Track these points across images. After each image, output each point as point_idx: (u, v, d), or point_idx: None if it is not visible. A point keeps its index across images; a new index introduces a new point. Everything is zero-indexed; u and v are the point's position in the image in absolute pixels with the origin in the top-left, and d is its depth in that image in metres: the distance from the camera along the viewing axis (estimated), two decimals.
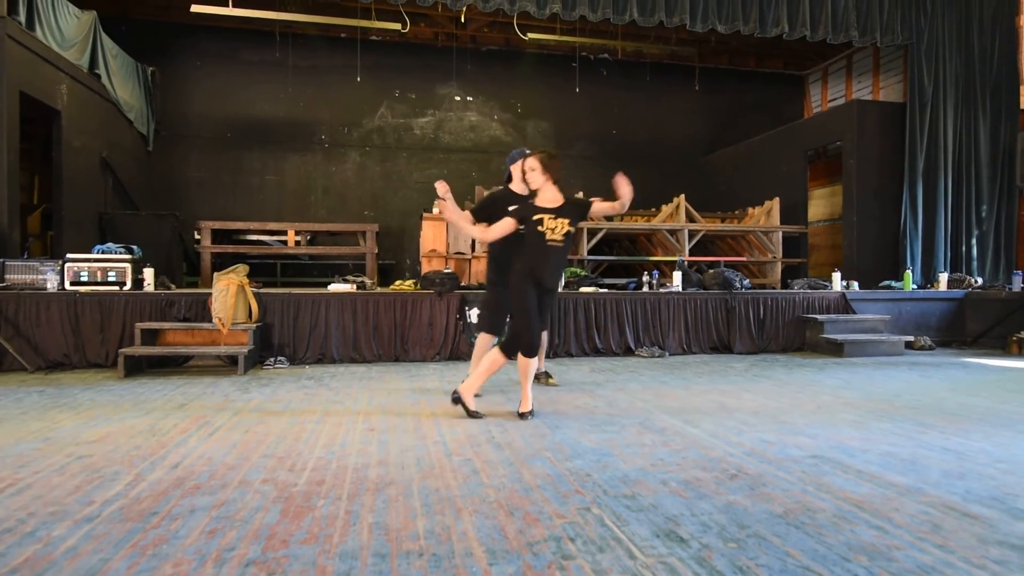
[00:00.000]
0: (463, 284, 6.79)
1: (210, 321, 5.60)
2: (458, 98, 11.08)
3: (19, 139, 6.22)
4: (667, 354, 6.56)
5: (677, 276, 7.01)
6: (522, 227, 3.74)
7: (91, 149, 7.53)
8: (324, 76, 10.48)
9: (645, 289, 6.94)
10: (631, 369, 5.70)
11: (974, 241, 8.50)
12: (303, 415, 3.82)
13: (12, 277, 5.62)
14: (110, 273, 5.78)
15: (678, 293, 6.84)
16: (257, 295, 5.83)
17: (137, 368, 5.40)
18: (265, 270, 9.22)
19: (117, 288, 5.75)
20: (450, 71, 10.81)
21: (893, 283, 7.97)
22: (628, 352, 6.59)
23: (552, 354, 6.41)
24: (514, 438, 3.30)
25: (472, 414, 3.76)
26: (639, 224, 9.08)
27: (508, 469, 2.78)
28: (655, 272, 7.29)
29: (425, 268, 7.02)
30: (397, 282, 6.97)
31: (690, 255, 8.48)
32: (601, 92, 11.42)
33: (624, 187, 3.60)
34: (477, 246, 7.25)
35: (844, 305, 7.23)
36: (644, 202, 10.72)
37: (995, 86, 8.41)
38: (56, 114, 6.79)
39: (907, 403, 4.23)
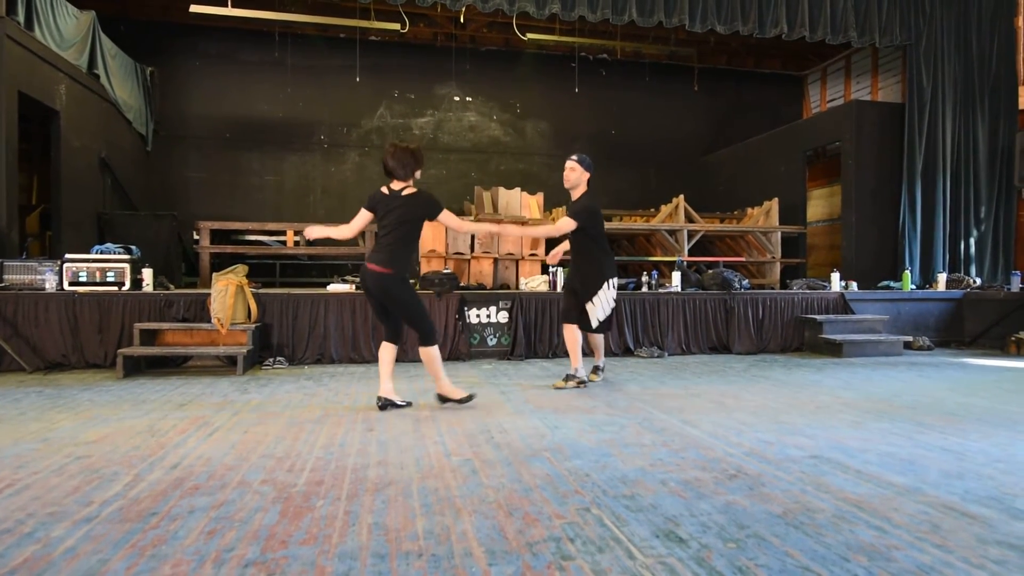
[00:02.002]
0: (462, 284, 6.79)
1: (209, 321, 5.60)
2: (457, 98, 11.08)
3: (18, 139, 6.21)
4: (666, 354, 6.57)
5: (676, 276, 7.01)
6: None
7: (90, 149, 7.52)
8: (323, 76, 10.47)
9: (644, 289, 6.95)
10: (630, 369, 5.71)
11: (972, 241, 8.51)
12: (302, 415, 3.82)
13: (11, 277, 5.61)
14: (109, 273, 5.78)
15: (677, 293, 6.84)
16: (256, 295, 5.82)
17: (136, 368, 5.39)
18: (264, 270, 9.20)
19: (116, 288, 5.75)
20: (449, 71, 10.81)
21: (892, 283, 7.98)
22: (627, 352, 6.60)
23: (552, 354, 6.41)
24: (513, 438, 3.30)
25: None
26: (638, 224, 9.08)
27: (507, 469, 2.78)
28: (654, 272, 7.29)
29: (424, 268, 7.02)
30: None
31: (689, 255, 8.48)
32: (600, 92, 11.42)
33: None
34: (477, 246, 7.25)
35: (843, 305, 7.24)
36: (643, 202, 10.78)
37: (993, 87, 8.42)
38: (55, 114, 6.78)
39: (906, 403, 4.23)
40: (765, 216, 9.10)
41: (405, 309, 3.89)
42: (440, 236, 7.07)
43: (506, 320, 6.39)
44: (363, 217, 4.01)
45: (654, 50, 10.85)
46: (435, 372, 3.97)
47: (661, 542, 2.04)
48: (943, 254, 8.46)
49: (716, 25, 7.84)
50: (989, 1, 8.44)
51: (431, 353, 3.90)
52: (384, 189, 3.96)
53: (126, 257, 5.92)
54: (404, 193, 3.90)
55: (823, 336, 6.79)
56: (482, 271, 7.26)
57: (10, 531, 2.10)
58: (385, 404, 3.94)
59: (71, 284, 5.66)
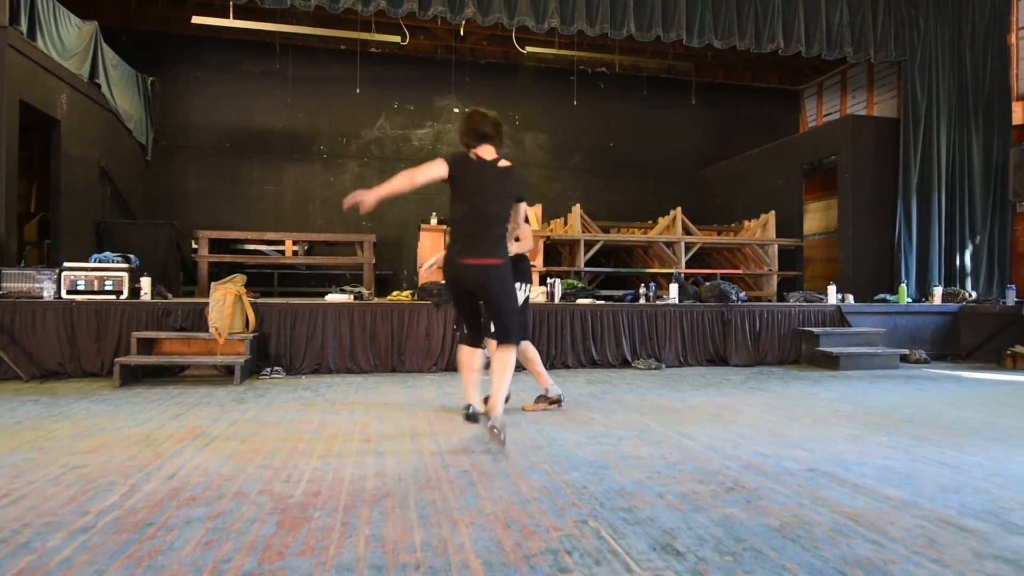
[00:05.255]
0: None
1: (207, 331, 5.59)
2: (457, 110, 11.14)
3: (18, 147, 6.23)
4: (664, 366, 6.57)
5: (674, 288, 7.03)
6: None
7: (90, 158, 7.54)
8: (324, 87, 10.53)
9: (642, 301, 6.96)
10: (628, 381, 5.71)
11: (968, 255, 8.56)
12: (299, 426, 3.81)
13: (8, 285, 5.60)
14: (107, 282, 5.78)
15: (675, 305, 6.86)
16: (254, 305, 5.83)
17: (133, 378, 5.38)
18: (262, 280, 9.21)
19: (114, 297, 5.74)
20: (449, 83, 10.88)
21: (888, 296, 8.01)
22: (625, 364, 6.60)
23: (549, 365, 6.41)
24: (511, 450, 3.29)
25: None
26: (636, 236, 9.12)
27: (505, 481, 2.78)
28: (652, 284, 7.31)
29: (422, 279, 7.03)
30: (394, 293, 6.98)
31: (686, 267, 8.52)
32: (599, 105, 11.50)
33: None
34: None
35: (839, 318, 7.26)
36: (641, 214, 10.83)
37: (987, 102, 8.51)
38: (56, 123, 6.81)
39: (902, 416, 4.24)
40: (762, 229, 9.15)
41: (508, 303, 3.39)
42: (439, 247, 7.09)
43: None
44: (434, 173, 3.17)
45: (652, 64, 10.95)
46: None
47: (658, 555, 2.04)
48: (939, 268, 8.51)
49: (713, 40, 7.91)
50: (982, 19, 8.54)
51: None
52: (472, 155, 3.26)
53: (124, 266, 5.93)
54: (500, 165, 3.27)
55: (820, 349, 6.81)
56: None
57: (6, 541, 2.09)
58: (475, 415, 3.74)
59: (69, 292, 5.65)
